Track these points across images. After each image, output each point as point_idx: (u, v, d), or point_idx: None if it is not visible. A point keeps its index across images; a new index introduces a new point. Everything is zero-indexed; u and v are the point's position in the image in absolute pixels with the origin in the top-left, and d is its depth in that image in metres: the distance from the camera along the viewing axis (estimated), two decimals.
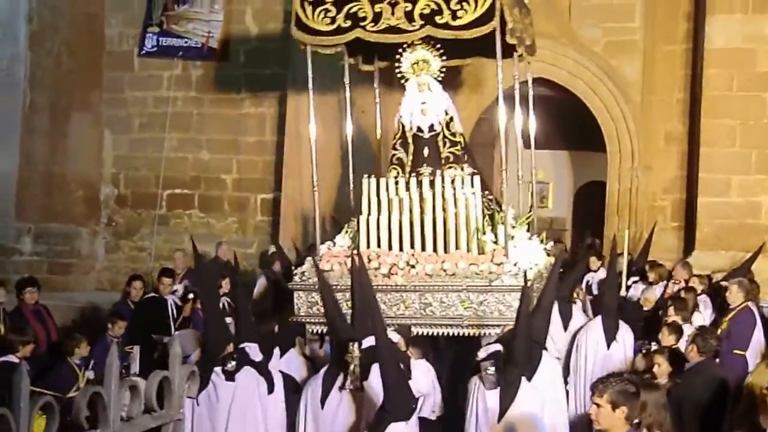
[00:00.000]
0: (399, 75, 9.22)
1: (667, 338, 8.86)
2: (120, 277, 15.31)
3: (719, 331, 10.27)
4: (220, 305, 12.88)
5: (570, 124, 15.83)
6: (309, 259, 8.98)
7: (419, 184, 8.87)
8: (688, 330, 9.18)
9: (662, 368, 7.91)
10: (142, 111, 16.75)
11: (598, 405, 5.23)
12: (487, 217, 8.74)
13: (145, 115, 16.75)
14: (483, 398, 7.12)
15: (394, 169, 9.21)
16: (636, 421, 5.49)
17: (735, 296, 10.65)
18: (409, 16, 8.29)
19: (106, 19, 16.82)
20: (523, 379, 7.17)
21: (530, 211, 10.17)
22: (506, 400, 7.00)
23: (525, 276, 7.75)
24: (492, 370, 7.13)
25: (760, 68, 13.84)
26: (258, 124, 16.33)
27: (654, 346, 9.01)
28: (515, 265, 8.31)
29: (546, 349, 7.92)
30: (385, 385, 6.60)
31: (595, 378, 8.56)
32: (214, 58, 16.15)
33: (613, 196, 14.96)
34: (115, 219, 16.95)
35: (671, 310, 10.00)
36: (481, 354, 7.44)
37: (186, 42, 16.12)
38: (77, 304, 14.83)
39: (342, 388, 7.18)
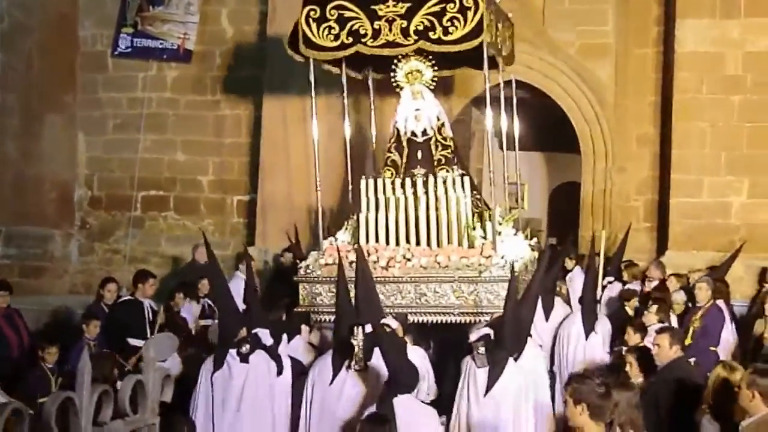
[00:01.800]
0: (394, 84, 10.84)
1: (632, 337, 10.13)
2: (94, 280, 16.16)
3: (692, 330, 11.95)
4: (201, 307, 14.41)
5: (544, 125, 17.37)
6: (313, 253, 10.55)
7: (413, 184, 10.49)
8: (652, 330, 10.18)
9: (634, 367, 8.80)
10: (117, 112, 17.86)
11: (565, 402, 5.87)
12: (476, 215, 10.39)
13: (120, 116, 17.86)
14: (474, 375, 8.66)
15: (388, 170, 10.84)
16: (608, 420, 5.95)
17: (705, 294, 12.15)
18: (404, 32, 9.89)
19: (79, 19, 17.88)
20: (510, 359, 8.75)
21: (511, 210, 11.75)
22: (493, 377, 8.57)
23: (512, 267, 9.34)
24: (482, 350, 8.71)
25: (728, 72, 15.38)
26: (234, 126, 17.58)
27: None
28: (502, 258, 9.91)
29: (531, 335, 9.51)
30: (388, 362, 8.13)
31: (577, 365, 10.31)
32: (190, 60, 17.39)
33: (587, 196, 16.48)
34: (89, 221, 17.94)
35: (654, 309, 11.31)
36: (473, 337, 8.96)
37: (161, 44, 17.33)
38: (50, 308, 15.65)
39: (348, 368, 8.71)
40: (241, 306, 12.37)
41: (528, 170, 18.74)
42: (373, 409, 7.74)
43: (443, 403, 9.01)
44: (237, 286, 14.19)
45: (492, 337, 8.83)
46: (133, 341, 12.11)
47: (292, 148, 16.01)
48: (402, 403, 7.61)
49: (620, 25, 16.52)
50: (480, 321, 9.75)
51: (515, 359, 8.78)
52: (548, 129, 16.78)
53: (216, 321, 13.51)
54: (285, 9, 15.66)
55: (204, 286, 14.32)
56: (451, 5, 9.72)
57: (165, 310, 12.85)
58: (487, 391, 8.51)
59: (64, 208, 17.94)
